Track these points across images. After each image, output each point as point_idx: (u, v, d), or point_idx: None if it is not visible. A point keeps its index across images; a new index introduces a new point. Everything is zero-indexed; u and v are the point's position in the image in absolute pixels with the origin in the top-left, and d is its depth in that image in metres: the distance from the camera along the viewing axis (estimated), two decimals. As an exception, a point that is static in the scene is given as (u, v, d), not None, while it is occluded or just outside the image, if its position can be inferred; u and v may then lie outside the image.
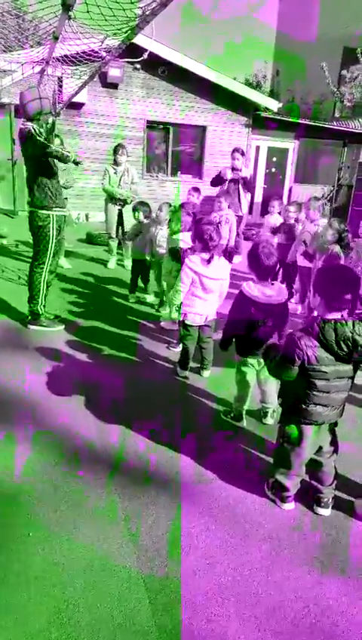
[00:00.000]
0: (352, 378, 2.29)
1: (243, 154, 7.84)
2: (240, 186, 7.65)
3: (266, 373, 3.09)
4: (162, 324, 4.99)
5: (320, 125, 13.01)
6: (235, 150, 7.76)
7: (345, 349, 2.13)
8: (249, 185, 7.83)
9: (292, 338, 2.23)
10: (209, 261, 3.53)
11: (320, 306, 2.23)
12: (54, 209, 4.45)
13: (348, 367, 2.23)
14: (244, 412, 3.30)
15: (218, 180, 7.77)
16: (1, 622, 1.85)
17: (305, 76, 18.56)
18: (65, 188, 6.52)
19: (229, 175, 7.62)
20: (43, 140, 4.15)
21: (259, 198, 13.06)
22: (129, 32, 3.04)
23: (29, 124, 4.19)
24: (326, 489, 2.50)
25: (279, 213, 6.50)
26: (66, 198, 6.88)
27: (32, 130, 4.13)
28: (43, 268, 4.56)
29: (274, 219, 6.47)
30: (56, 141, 6.29)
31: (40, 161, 4.35)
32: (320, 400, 2.26)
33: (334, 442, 2.49)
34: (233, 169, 7.67)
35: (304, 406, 2.29)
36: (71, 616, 1.88)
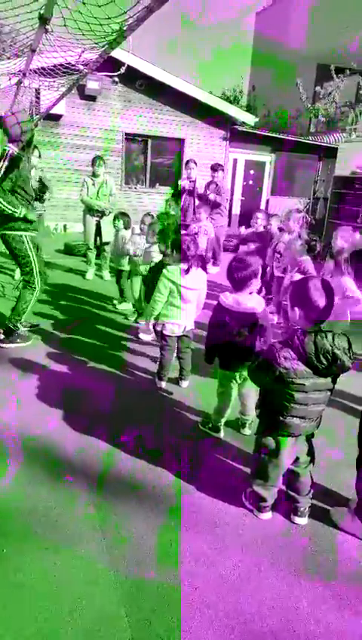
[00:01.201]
0: (331, 390, 2.32)
1: (196, 164, 7.94)
2: (194, 198, 7.76)
3: (247, 386, 3.12)
4: (140, 336, 4.98)
5: (296, 140, 13.30)
6: (189, 161, 7.88)
7: (325, 363, 2.15)
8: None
9: (271, 349, 2.25)
10: (187, 271, 3.56)
11: (300, 318, 2.24)
12: (25, 230, 4.38)
13: (327, 380, 2.25)
14: (222, 424, 3.30)
15: (178, 195, 7.85)
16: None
17: (281, 91, 18.98)
18: (40, 202, 6.49)
19: (185, 184, 7.72)
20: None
21: (237, 210, 13.23)
22: (106, 46, 3.08)
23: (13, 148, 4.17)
24: (303, 498, 2.52)
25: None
26: (44, 210, 6.88)
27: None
28: (35, 287, 4.54)
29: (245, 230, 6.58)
30: (35, 152, 6.28)
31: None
32: (298, 412, 2.28)
33: (311, 452, 2.51)
34: (189, 179, 7.77)
35: (282, 418, 2.31)
36: (50, 626, 1.84)
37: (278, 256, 5.58)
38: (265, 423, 2.45)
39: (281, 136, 13.20)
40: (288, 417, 2.29)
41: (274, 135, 13.07)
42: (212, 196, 7.74)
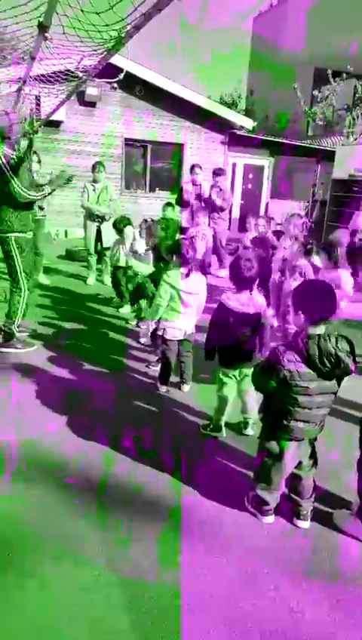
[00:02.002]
0: (335, 394, 2.31)
1: (201, 169, 7.91)
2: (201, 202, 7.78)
3: (247, 384, 3.13)
4: (142, 340, 4.99)
5: (294, 143, 13.35)
6: (194, 166, 7.87)
7: (329, 365, 2.15)
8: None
9: (275, 352, 2.26)
10: (187, 275, 3.57)
11: (305, 322, 2.24)
12: (12, 232, 4.37)
13: (332, 383, 2.25)
14: (223, 423, 3.31)
15: (183, 201, 7.83)
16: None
17: (278, 96, 19.07)
18: (40, 208, 6.53)
19: (191, 189, 7.71)
20: (17, 186, 4.16)
21: (236, 214, 13.26)
22: (105, 52, 3.10)
23: (8, 152, 4.15)
24: (306, 502, 2.52)
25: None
26: (45, 216, 6.91)
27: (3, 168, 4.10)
28: (21, 288, 4.51)
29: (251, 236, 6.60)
30: (34, 158, 6.31)
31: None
32: (302, 416, 2.28)
33: (313, 456, 2.51)
34: (193, 184, 7.77)
35: (285, 422, 2.30)
36: (51, 633, 1.85)
37: (284, 261, 5.59)
38: (268, 427, 2.45)
39: (280, 139, 13.26)
40: (292, 421, 2.29)
41: (272, 139, 13.13)
42: (219, 201, 7.75)
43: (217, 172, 8.07)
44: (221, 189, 7.90)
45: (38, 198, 4.39)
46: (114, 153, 11.66)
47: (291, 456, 2.39)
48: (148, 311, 5.21)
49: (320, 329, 2.22)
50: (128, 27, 2.52)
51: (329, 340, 2.16)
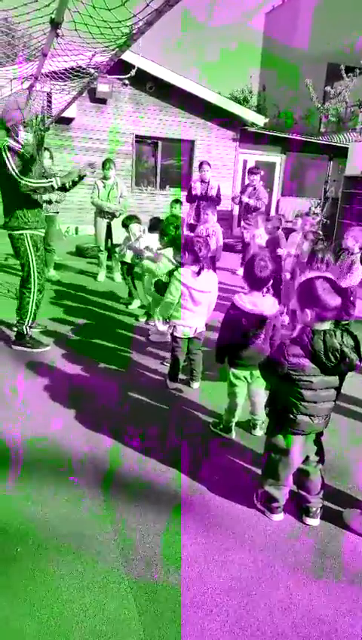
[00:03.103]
0: (338, 388, 2.32)
1: (210, 166, 7.76)
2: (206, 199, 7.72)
3: (258, 385, 3.13)
4: (151, 337, 5.00)
5: (306, 140, 13.24)
6: (203, 163, 7.82)
7: (334, 360, 2.16)
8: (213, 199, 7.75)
9: (280, 347, 2.26)
10: (198, 273, 3.56)
11: (311, 319, 2.23)
12: (27, 229, 4.33)
13: (334, 378, 2.26)
14: (234, 424, 3.30)
15: (191, 197, 7.78)
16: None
17: (291, 91, 18.93)
18: (57, 202, 6.56)
19: (199, 188, 7.66)
20: (15, 174, 4.05)
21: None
22: (117, 49, 3.10)
23: (12, 143, 4.10)
24: (314, 498, 2.51)
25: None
26: (57, 212, 6.94)
27: (7, 161, 4.03)
28: (30, 288, 4.47)
29: (259, 232, 6.58)
30: (46, 154, 6.34)
31: (9, 184, 4.20)
32: (307, 410, 2.28)
33: (320, 451, 2.50)
34: (202, 181, 7.72)
35: (291, 416, 2.31)
36: (60, 630, 1.86)
37: (295, 259, 5.57)
38: (274, 422, 2.45)
39: (291, 136, 13.16)
40: (298, 415, 2.30)
41: (284, 135, 13.03)
42: (252, 202, 7.71)
43: (252, 171, 8.02)
44: (255, 188, 7.83)
45: (39, 185, 4.17)
46: (124, 150, 11.66)
47: (298, 450, 2.39)
48: (155, 308, 5.23)
49: (326, 325, 2.21)
50: (140, 23, 2.51)
51: (335, 335, 2.16)
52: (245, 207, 8.03)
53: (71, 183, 4.46)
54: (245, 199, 7.94)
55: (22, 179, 4.07)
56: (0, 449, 2.99)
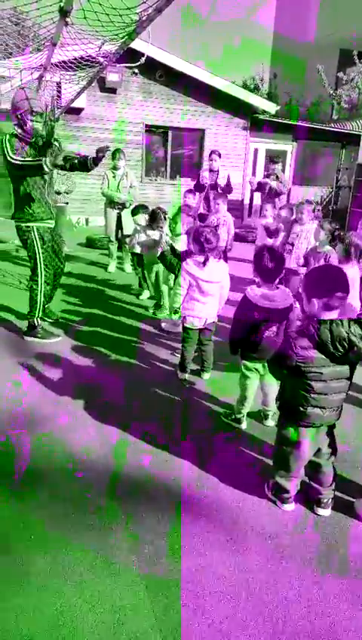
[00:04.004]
0: (350, 379, 2.30)
1: (219, 156, 7.71)
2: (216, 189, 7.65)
3: (269, 377, 3.10)
4: (163, 325, 5.01)
5: (318, 127, 13.05)
6: (213, 152, 7.76)
7: (341, 350, 2.14)
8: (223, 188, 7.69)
9: (287, 339, 2.25)
10: (204, 264, 3.53)
11: (318, 308, 2.22)
12: (34, 221, 4.33)
13: (345, 368, 2.24)
14: (245, 415, 3.30)
15: (200, 186, 7.71)
16: (1, 622, 1.86)
17: (302, 79, 18.65)
18: (67, 193, 6.56)
19: (207, 176, 7.58)
20: (10, 156, 4.01)
21: (258, 200, 13.08)
22: (126, 37, 3.07)
23: (20, 133, 4.08)
24: (326, 490, 2.51)
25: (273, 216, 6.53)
26: (67, 203, 6.94)
27: (4, 146, 4.02)
28: (37, 281, 4.48)
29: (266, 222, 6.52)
30: (55, 144, 6.31)
31: (15, 174, 4.22)
32: (318, 402, 2.27)
33: (332, 443, 2.49)
34: (210, 170, 7.65)
35: (302, 408, 2.30)
36: (71, 619, 1.89)
37: (290, 248, 5.50)
38: (285, 414, 2.45)
39: (303, 124, 12.96)
40: (309, 407, 2.29)
41: (295, 123, 12.85)
42: (274, 183, 7.78)
43: (273, 159, 8.35)
44: (277, 177, 7.92)
45: (26, 163, 4.05)
46: (134, 140, 11.60)
47: (309, 443, 2.38)
48: (165, 299, 5.24)
49: (333, 315, 2.19)
50: (150, 10, 2.49)
51: (342, 324, 2.14)
52: (267, 193, 7.98)
53: (92, 161, 4.36)
54: (274, 183, 7.90)
55: (12, 158, 4.03)
56: (6, 442, 3.02)
